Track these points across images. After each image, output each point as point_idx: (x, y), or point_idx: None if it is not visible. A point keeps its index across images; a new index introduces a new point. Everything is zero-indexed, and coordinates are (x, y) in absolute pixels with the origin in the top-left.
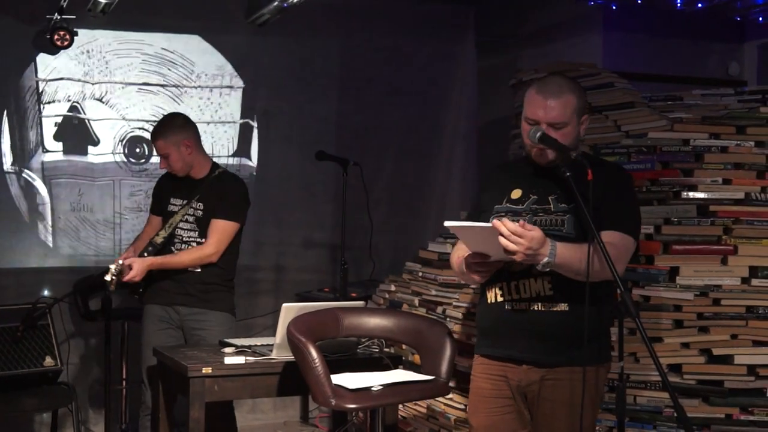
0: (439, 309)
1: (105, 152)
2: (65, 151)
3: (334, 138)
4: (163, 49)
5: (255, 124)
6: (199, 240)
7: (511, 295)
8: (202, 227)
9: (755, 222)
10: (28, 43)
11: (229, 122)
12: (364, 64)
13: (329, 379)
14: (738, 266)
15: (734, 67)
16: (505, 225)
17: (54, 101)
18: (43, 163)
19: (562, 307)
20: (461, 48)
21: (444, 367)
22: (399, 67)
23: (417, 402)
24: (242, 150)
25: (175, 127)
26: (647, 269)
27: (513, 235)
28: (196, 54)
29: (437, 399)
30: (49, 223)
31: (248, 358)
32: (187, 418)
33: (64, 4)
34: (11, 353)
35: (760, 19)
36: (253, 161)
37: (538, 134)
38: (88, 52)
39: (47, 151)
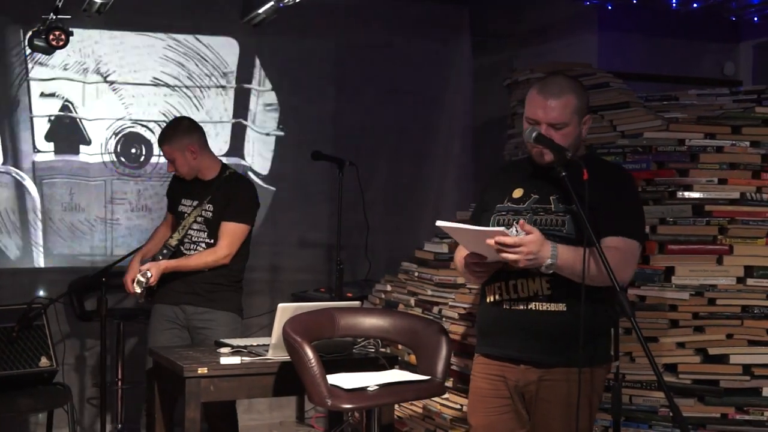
0: (435, 309)
1: (97, 152)
2: (57, 151)
3: (329, 138)
4: (157, 48)
5: (249, 124)
6: (208, 241)
7: (509, 294)
8: (211, 228)
9: (750, 222)
10: (21, 42)
11: (222, 122)
12: (359, 64)
13: (325, 379)
14: (733, 266)
15: (729, 67)
16: (504, 241)
17: (46, 101)
18: (34, 162)
19: (561, 307)
20: (457, 48)
21: (440, 367)
22: (394, 67)
23: (413, 402)
24: (235, 149)
25: (179, 132)
26: (643, 269)
27: (513, 247)
28: (191, 54)
29: (433, 399)
30: (41, 223)
31: (244, 358)
32: (181, 418)
33: (60, 4)
34: (6, 354)
35: (756, 19)
36: (247, 161)
37: (534, 134)
38: (80, 51)
39: (38, 151)
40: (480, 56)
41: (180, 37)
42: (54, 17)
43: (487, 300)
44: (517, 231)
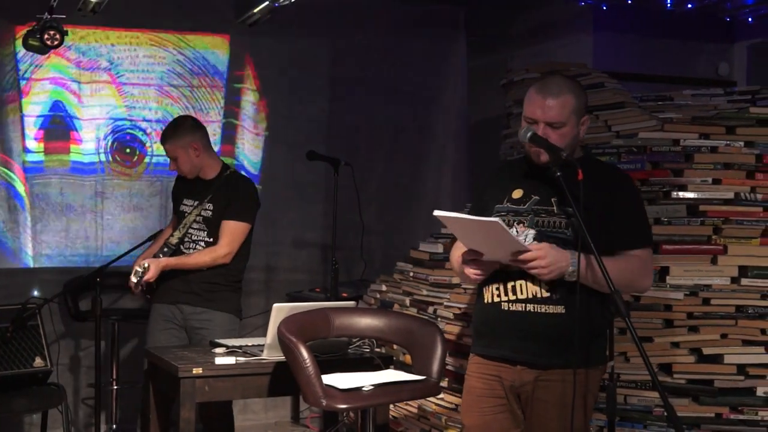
0: (431, 309)
1: (88, 152)
2: (47, 151)
3: (325, 138)
4: (151, 48)
5: (241, 123)
6: (207, 240)
7: (507, 295)
8: (211, 227)
9: (745, 222)
10: (12, 41)
11: (213, 121)
12: (354, 64)
13: (320, 380)
14: (728, 266)
15: (724, 68)
16: (521, 258)
17: (37, 100)
18: (25, 162)
19: (559, 309)
20: (452, 48)
21: (435, 367)
22: (390, 67)
23: (408, 402)
24: (225, 149)
25: (182, 130)
26: None
27: (530, 261)
28: (185, 53)
29: (428, 399)
30: (31, 222)
31: (239, 358)
32: (177, 419)
33: (54, 4)
34: (1, 354)
35: (750, 19)
36: (239, 160)
37: (529, 134)
38: (72, 50)
39: (29, 150)
40: (475, 56)
41: (174, 36)
42: (49, 16)
43: (485, 301)
44: (517, 231)
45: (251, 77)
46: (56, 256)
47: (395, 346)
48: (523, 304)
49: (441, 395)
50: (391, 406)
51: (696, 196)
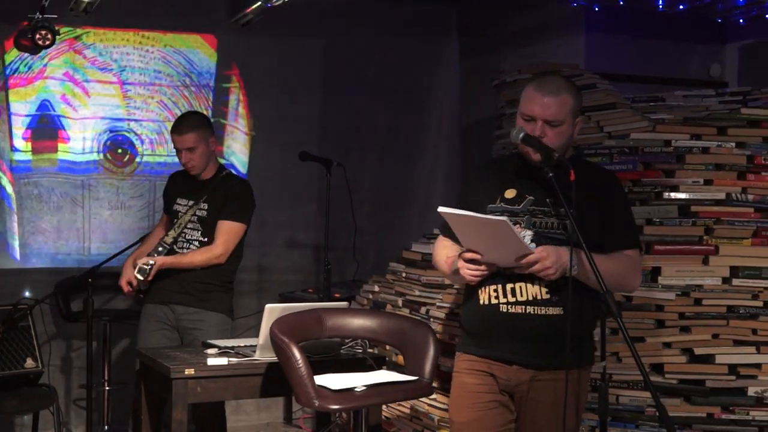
0: (423, 309)
1: (77, 151)
2: (35, 150)
3: (317, 138)
4: (142, 48)
5: (230, 123)
6: (201, 240)
7: (507, 297)
8: (205, 227)
9: (736, 222)
10: (3, 41)
11: None
12: (347, 65)
13: (312, 380)
14: (719, 266)
15: (715, 69)
16: (524, 262)
17: (25, 99)
18: (12, 161)
19: (558, 311)
20: (444, 49)
21: (427, 367)
22: (382, 68)
23: (400, 402)
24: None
25: (204, 124)
26: None
27: (535, 264)
28: (177, 53)
29: (421, 399)
30: (19, 222)
31: (231, 359)
32: (170, 419)
33: (46, 3)
34: None
35: (741, 20)
36: (228, 159)
37: (521, 134)
38: (61, 49)
39: (17, 149)
40: (468, 57)
41: (164, 36)
42: (40, 16)
43: (481, 302)
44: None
45: (243, 78)
46: (43, 254)
47: (388, 347)
48: (523, 306)
49: (433, 396)
50: (384, 406)
51: (687, 197)
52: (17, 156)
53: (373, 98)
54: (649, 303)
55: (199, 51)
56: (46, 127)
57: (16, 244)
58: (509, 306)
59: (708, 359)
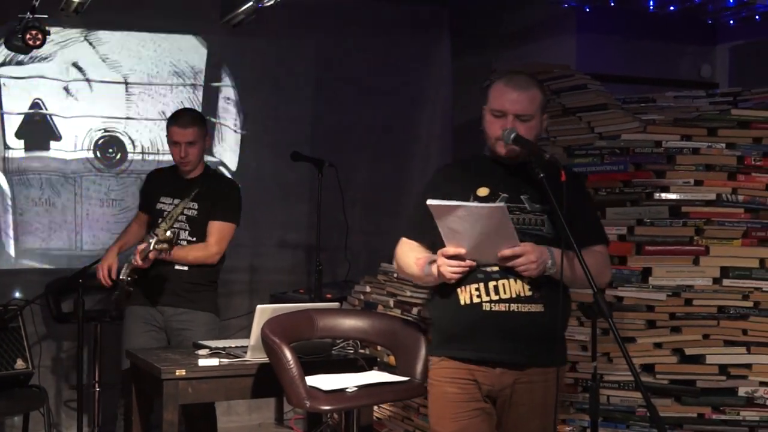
0: (414, 310)
1: (69, 149)
2: (27, 148)
3: (309, 139)
4: (135, 48)
5: (221, 122)
6: (189, 239)
7: (489, 295)
8: (194, 227)
9: (726, 223)
10: None
11: None
12: (338, 65)
13: (304, 381)
14: (709, 267)
15: (706, 70)
16: (503, 255)
17: (17, 98)
18: (5, 159)
19: (539, 308)
20: (436, 49)
21: (419, 368)
22: (374, 68)
23: (392, 403)
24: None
25: (203, 121)
26: (620, 270)
27: (518, 257)
28: (168, 53)
29: (412, 400)
30: (12, 220)
31: (222, 359)
32: (160, 420)
33: (36, 4)
34: None
35: (732, 22)
36: (216, 157)
37: (513, 135)
38: (53, 48)
39: (9, 147)
40: (460, 58)
41: (159, 36)
42: (31, 16)
43: (461, 302)
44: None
45: (237, 77)
46: (35, 252)
47: (379, 348)
48: (507, 304)
49: (424, 396)
50: (375, 407)
51: (678, 198)
52: (10, 153)
53: (364, 98)
54: (639, 303)
55: (191, 51)
56: (38, 126)
57: (11, 241)
58: (492, 304)
59: (699, 359)
